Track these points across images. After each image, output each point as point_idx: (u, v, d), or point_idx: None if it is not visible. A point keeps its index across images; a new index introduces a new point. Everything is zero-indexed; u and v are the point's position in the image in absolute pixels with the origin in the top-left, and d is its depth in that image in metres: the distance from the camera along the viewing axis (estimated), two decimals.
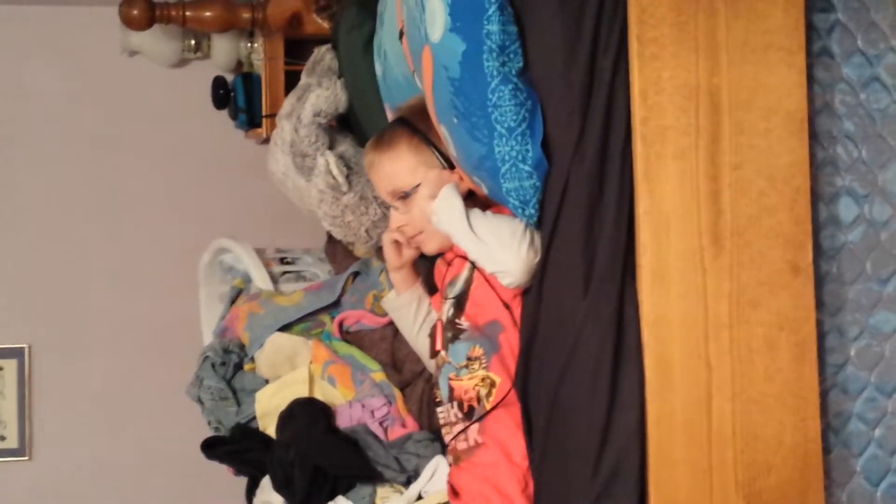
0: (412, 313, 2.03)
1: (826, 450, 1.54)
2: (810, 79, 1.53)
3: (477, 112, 1.59)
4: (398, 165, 1.88)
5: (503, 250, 1.64)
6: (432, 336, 1.91)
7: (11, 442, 3.54)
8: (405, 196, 1.89)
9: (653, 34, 1.49)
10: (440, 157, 1.85)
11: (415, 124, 1.88)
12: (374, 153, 1.93)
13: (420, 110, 1.84)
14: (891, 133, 1.59)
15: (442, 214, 1.76)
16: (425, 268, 2.04)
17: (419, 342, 2.04)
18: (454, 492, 1.77)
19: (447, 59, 1.60)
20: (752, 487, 1.48)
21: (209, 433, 2.38)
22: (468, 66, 1.58)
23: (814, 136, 1.55)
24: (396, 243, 1.97)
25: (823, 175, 1.57)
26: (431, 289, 2.04)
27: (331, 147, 2.32)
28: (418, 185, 1.86)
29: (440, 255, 1.94)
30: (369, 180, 2.09)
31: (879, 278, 1.59)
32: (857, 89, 1.58)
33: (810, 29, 1.56)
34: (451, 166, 1.84)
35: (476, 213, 1.73)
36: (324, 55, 2.42)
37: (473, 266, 1.77)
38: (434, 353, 1.89)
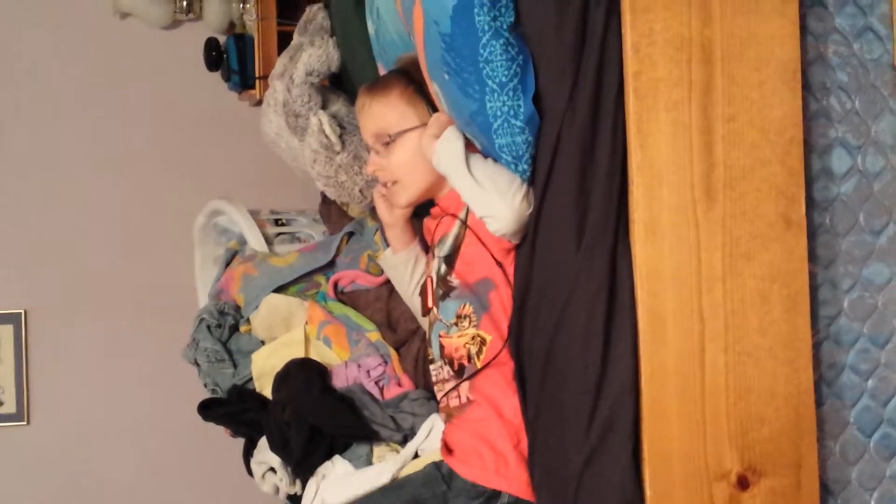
0: (409, 272, 2.02)
1: (819, 401, 1.54)
2: (803, 29, 1.52)
3: (468, 67, 1.58)
4: (387, 110, 1.89)
5: (498, 196, 1.62)
6: (423, 293, 1.90)
7: (9, 407, 3.55)
8: (388, 143, 1.89)
9: None
10: (431, 112, 1.84)
11: (412, 75, 1.87)
12: (366, 96, 1.93)
13: (419, 64, 1.83)
14: (884, 83, 1.58)
15: (442, 154, 1.73)
16: (420, 225, 2.04)
17: (415, 301, 2.04)
18: (448, 449, 1.78)
19: (438, 14, 1.59)
20: (745, 439, 1.48)
21: (206, 395, 2.39)
22: (459, 21, 1.56)
23: (807, 87, 1.53)
24: (387, 199, 1.97)
25: (816, 126, 1.56)
26: (427, 246, 2.03)
27: (324, 106, 2.30)
28: (403, 133, 1.86)
29: (428, 213, 1.94)
30: (363, 139, 2.08)
31: (872, 230, 1.58)
32: (851, 39, 1.56)
33: None
34: None
35: (477, 157, 1.71)
36: (316, 14, 2.40)
37: (464, 224, 1.76)
38: (426, 311, 1.88)
